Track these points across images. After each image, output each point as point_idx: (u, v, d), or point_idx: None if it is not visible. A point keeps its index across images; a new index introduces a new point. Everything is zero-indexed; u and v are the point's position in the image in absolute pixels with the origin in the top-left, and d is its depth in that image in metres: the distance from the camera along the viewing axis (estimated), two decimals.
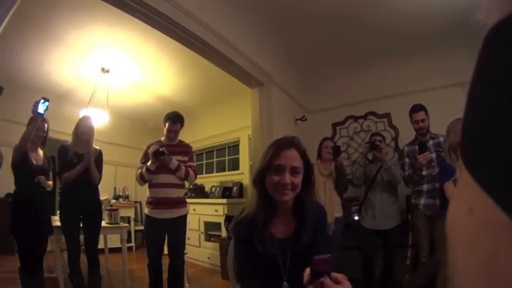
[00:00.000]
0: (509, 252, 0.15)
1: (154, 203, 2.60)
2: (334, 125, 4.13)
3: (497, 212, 0.15)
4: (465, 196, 0.18)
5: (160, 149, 2.50)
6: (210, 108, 5.29)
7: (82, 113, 3.28)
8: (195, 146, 4.32)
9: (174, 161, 2.60)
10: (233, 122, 5.01)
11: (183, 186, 2.75)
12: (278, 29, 3.31)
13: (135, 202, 6.00)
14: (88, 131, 2.65)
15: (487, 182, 0.16)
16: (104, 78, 4.13)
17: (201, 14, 2.45)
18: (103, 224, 3.12)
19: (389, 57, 3.54)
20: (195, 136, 5.26)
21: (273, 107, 3.39)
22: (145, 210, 2.66)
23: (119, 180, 5.93)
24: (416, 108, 2.67)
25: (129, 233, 5.36)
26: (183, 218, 2.67)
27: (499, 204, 0.15)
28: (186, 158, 2.71)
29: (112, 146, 5.40)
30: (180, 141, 2.79)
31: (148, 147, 2.63)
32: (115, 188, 5.90)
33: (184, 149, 2.75)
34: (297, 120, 3.86)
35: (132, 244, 5.52)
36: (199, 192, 5.12)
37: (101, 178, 2.69)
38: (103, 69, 4.03)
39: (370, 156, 2.90)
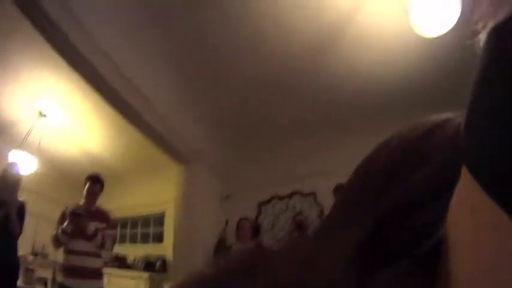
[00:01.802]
0: (510, 253, 0.15)
1: (67, 270, 2.48)
2: (260, 205, 4.07)
3: (498, 212, 0.15)
4: (466, 196, 0.18)
5: (78, 211, 2.43)
6: (140, 176, 5.10)
7: (12, 155, 3.08)
8: (121, 213, 4.14)
9: (91, 226, 2.49)
10: (161, 193, 4.83)
11: (100, 255, 2.59)
12: (207, 104, 3.26)
13: (55, 262, 5.34)
14: (15, 180, 2.54)
15: (488, 182, 0.15)
16: (40, 122, 3.89)
17: (139, 82, 2.51)
18: None
19: (315, 133, 3.58)
20: (121, 202, 4.97)
21: (198, 185, 3.36)
22: (59, 277, 2.48)
23: (39, 235, 5.29)
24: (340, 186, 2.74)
25: None
26: None
27: (500, 205, 0.15)
28: (103, 225, 2.59)
29: (37, 196, 4.90)
30: (99, 206, 2.69)
31: (65, 210, 2.53)
32: (34, 244, 5.25)
33: (103, 215, 2.65)
34: (221, 198, 3.82)
35: None
36: (121, 263, 4.77)
37: (21, 233, 2.43)
38: (40, 113, 3.82)
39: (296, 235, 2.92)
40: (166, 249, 4.62)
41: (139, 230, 5.39)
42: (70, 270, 2.46)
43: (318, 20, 2.37)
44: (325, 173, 3.57)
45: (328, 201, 3.39)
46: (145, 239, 5.26)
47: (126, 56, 2.49)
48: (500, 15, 0.15)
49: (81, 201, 2.60)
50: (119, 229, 4.94)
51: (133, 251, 5.06)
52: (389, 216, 0.23)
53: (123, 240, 5.25)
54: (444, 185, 0.21)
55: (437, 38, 2.03)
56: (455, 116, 0.26)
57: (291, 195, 3.95)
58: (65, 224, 2.42)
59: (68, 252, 2.51)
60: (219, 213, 3.78)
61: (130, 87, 2.55)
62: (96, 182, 2.62)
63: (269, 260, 0.27)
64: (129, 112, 2.68)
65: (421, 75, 2.65)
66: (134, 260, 4.83)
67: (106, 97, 2.58)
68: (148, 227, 5.26)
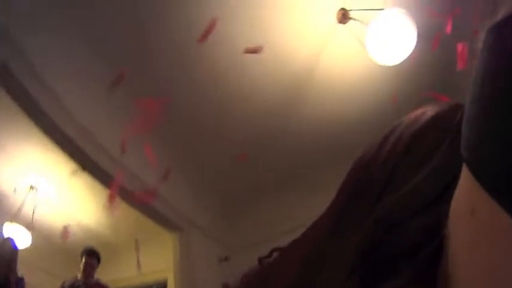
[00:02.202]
0: (511, 254, 0.15)
1: None
2: (260, 260, 3.90)
3: (499, 213, 0.15)
4: (467, 197, 0.18)
5: (76, 284, 2.33)
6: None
7: (5, 229, 3.09)
8: (121, 284, 4.09)
9: None
10: (161, 261, 4.58)
11: None
12: (197, 164, 3.29)
13: None
14: (11, 254, 2.52)
15: (489, 183, 0.15)
16: (31, 195, 3.91)
17: (124, 157, 2.50)
18: None
19: (309, 183, 3.58)
20: (120, 273, 4.77)
21: (194, 251, 3.32)
22: None
23: None
24: None
25: None
26: None
27: (502, 205, 0.15)
28: None
29: (33, 270, 4.78)
30: (97, 279, 2.67)
31: (63, 284, 2.54)
32: None
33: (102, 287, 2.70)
34: (220, 260, 3.71)
35: None
36: None
37: None
38: (31, 187, 3.84)
39: None
40: None
41: None
42: None
43: (282, 73, 2.40)
44: None
45: None
46: None
47: (110, 134, 2.53)
48: (500, 14, 0.15)
49: (79, 275, 2.62)
50: None
51: None
52: (387, 221, 0.22)
53: None
54: (443, 186, 0.21)
55: (404, 66, 2.05)
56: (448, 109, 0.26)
57: None
58: None
59: None
60: (219, 276, 3.63)
61: (115, 163, 2.55)
62: (92, 255, 2.68)
63: (278, 261, 0.29)
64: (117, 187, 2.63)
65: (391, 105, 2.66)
66: None
67: (91, 174, 2.62)
68: None
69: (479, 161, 0.16)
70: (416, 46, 1.96)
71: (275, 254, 0.38)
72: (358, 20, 2.10)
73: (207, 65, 2.38)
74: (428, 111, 0.28)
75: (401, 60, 2.00)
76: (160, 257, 4.56)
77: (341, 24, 2.17)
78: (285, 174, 3.54)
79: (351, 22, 2.14)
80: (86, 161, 2.43)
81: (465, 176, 0.18)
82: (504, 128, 0.14)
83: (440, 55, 2.26)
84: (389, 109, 2.71)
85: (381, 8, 1.98)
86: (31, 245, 4.01)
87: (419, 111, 0.29)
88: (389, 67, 2.11)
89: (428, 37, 2.00)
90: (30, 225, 3.93)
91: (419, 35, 1.92)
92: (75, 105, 2.24)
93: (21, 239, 3.73)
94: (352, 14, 2.12)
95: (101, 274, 2.85)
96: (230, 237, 4.04)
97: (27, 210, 3.97)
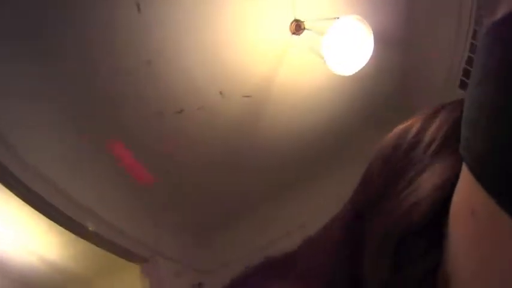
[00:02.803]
0: (509, 254, 0.15)
1: None
2: (233, 281, 3.77)
3: (499, 213, 0.15)
4: (467, 198, 0.18)
5: None
6: (105, 278, 4.59)
7: None
8: None
9: None
10: None
11: None
12: (159, 188, 3.14)
13: None
14: None
15: (489, 183, 0.15)
16: None
17: (78, 195, 2.41)
18: None
19: (270, 200, 3.53)
20: None
21: (163, 281, 3.15)
22: None
23: None
24: None
25: None
26: None
27: (502, 206, 0.14)
28: None
29: None
30: None
31: None
32: None
33: None
34: (194, 287, 3.54)
35: None
36: None
37: None
38: None
39: None
40: None
41: None
42: None
43: (237, 92, 2.32)
44: (292, 234, 3.42)
45: None
46: None
47: (58, 168, 2.36)
48: (499, 12, 0.15)
49: None
50: None
51: None
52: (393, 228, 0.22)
53: None
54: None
55: (362, 74, 2.04)
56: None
57: None
58: None
59: None
60: None
61: (70, 201, 2.41)
62: None
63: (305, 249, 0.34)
64: (74, 226, 2.57)
65: (350, 113, 2.71)
66: None
67: (45, 214, 2.46)
68: None
69: (479, 162, 0.16)
70: (373, 52, 1.93)
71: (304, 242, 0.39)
72: (313, 31, 2.06)
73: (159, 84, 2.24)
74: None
75: (359, 69, 1.96)
76: (134, 286, 4.34)
77: (295, 36, 2.11)
78: (253, 193, 3.44)
79: (305, 33, 2.09)
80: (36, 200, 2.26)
81: (465, 176, 0.18)
82: (504, 129, 0.14)
83: (399, 60, 2.27)
84: (350, 117, 2.76)
85: (336, 16, 1.95)
86: None
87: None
88: (347, 76, 2.07)
89: (386, 42, 1.99)
90: None
91: (376, 41, 1.90)
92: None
93: None
94: (306, 25, 2.07)
95: None
96: (202, 261, 3.83)
97: None
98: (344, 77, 2.08)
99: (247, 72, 2.26)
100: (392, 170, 0.26)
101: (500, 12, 0.15)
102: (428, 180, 0.23)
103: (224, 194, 3.35)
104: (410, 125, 0.28)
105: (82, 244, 3.82)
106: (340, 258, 0.27)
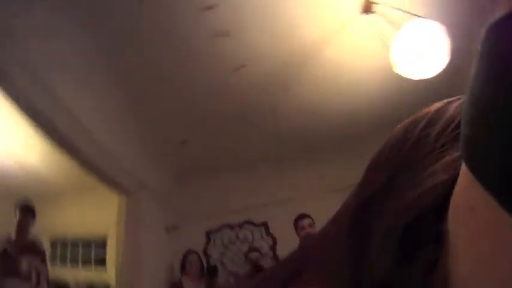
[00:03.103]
0: (509, 251, 0.15)
1: None
2: (208, 233, 3.86)
3: (499, 211, 0.14)
4: (466, 195, 0.18)
5: (8, 249, 2.26)
6: (81, 196, 4.57)
7: None
8: (59, 230, 3.93)
9: (24, 264, 2.32)
10: (103, 216, 4.30)
11: None
12: (152, 133, 3.08)
13: None
14: None
15: (488, 181, 0.15)
16: None
17: (78, 111, 2.31)
18: None
19: (268, 162, 3.53)
20: (59, 219, 4.48)
21: (140, 216, 3.14)
22: None
23: None
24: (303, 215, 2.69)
25: None
26: None
27: (501, 204, 0.14)
28: (37, 258, 2.45)
29: None
30: (32, 238, 2.55)
31: None
32: None
33: (35, 247, 2.50)
34: (168, 229, 3.58)
35: None
36: None
37: None
38: None
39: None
40: (110, 275, 4.14)
41: (80, 252, 4.88)
42: None
43: (281, 49, 2.22)
44: (277, 204, 3.50)
45: (279, 231, 3.33)
46: (87, 262, 4.78)
47: (64, 84, 2.26)
48: (499, 12, 0.15)
49: (12, 234, 2.42)
50: (58, 250, 4.63)
51: (75, 275, 4.58)
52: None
53: (63, 262, 4.75)
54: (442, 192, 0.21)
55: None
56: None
57: (242, 225, 3.80)
58: None
59: None
60: (165, 245, 3.56)
61: (66, 115, 2.29)
62: (26, 213, 2.47)
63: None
64: (65, 143, 2.46)
65: (391, 111, 2.58)
66: (77, 287, 4.43)
67: (36, 123, 2.31)
68: (90, 249, 4.80)
69: (479, 160, 0.16)
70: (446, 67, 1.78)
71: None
72: (382, 16, 1.94)
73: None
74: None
75: (426, 77, 1.82)
76: (104, 213, 4.25)
77: (363, 15, 1.98)
78: (256, 151, 3.42)
79: (374, 16, 1.96)
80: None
81: (464, 173, 0.18)
82: (503, 128, 0.14)
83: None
84: (397, 114, 2.70)
85: (408, 11, 1.83)
86: None
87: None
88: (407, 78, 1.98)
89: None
90: None
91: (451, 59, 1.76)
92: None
93: None
94: (377, 8, 1.94)
95: (41, 215, 2.66)
96: (180, 206, 3.86)
97: None
98: (400, 75, 1.98)
99: (304, 29, 2.14)
100: (398, 163, 0.26)
101: (498, 13, 0.15)
102: (434, 175, 0.22)
103: (226, 145, 3.31)
104: (419, 118, 0.27)
105: (62, 156, 3.68)
106: (348, 251, 0.27)
